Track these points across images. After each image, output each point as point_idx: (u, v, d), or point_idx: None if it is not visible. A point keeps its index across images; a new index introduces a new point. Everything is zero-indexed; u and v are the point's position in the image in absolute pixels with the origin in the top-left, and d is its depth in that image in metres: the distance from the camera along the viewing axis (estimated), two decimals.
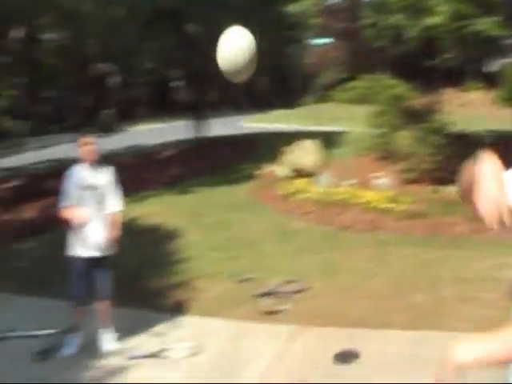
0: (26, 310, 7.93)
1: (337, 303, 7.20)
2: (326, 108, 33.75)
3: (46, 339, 6.88)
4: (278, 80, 44.88)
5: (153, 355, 6.30)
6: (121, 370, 6.14)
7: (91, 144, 6.39)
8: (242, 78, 4.74)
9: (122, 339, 6.67)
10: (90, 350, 6.54)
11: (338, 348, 6.13)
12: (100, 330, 6.62)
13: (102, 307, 6.60)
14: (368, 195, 10.96)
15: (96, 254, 6.42)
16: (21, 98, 35.47)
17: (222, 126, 25.09)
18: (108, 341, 6.60)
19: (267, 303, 7.22)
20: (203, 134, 21.68)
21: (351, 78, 38.26)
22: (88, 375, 6.14)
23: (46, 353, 6.58)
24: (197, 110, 22.07)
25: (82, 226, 6.23)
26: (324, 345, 6.26)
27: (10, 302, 8.25)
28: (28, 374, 6.23)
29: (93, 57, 39.66)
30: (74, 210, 6.20)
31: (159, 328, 6.93)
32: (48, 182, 15.17)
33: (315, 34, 44.00)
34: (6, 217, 12.77)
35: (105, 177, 6.44)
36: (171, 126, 30.24)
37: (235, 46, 4.46)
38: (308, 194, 11.48)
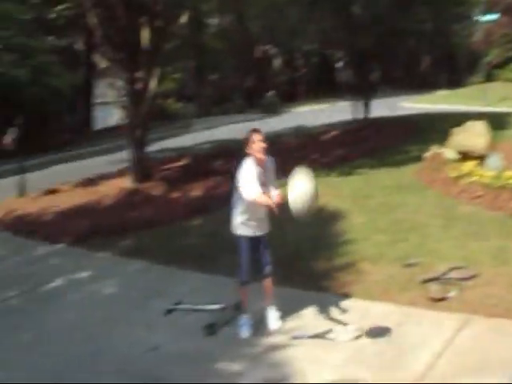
0: (193, 284, 8.24)
1: (508, 293, 6.81)
2: (493, 88, 32.19)
3: (213, 314, 7.09)
4: (443, 59, 43.49)
5: (317, 336, 6.30)
6: (284, 348, 6.21)
7: (261, 141, 6.40)
8: (309, 211, 5.98)
9: (286, 318, 6.74)
10: (255, 327, 6.66)
11: (509, 341, 5.83)
12: (266, 308, 6.72)
13: (267, 285, 6.70)
14: None
15: (260, 233, 6.57)
16: (187, 81, 36.79)
17: (384, 107, 24.67)
18: (273, 319, 6.69)
19: (434, 289, 6.99)
20: (366, 114, 21.41)
21: None
22: (250, 352, 6.27)
23: (212, 327, 6.78)
24: (360, 90, 21.80)
25: (274, 207, 6.23)
26: (494, 336, 5.97)
27: (177, 277, 8.61)
28: (192, 346, 6.48)
29: (256, 40, 40.41)
30: (266, 195, 6.27)
31: (323, 309, 6.91)
32: (211, 162, 15.63)
33: (482, 11, 42.12)
34: (175, 195, 13.29)
35: (269, 165, 6.50)
36: (334, 107, 30.10)
37: (302, 190, 5.91)
38: (477, 178, 10.98)
